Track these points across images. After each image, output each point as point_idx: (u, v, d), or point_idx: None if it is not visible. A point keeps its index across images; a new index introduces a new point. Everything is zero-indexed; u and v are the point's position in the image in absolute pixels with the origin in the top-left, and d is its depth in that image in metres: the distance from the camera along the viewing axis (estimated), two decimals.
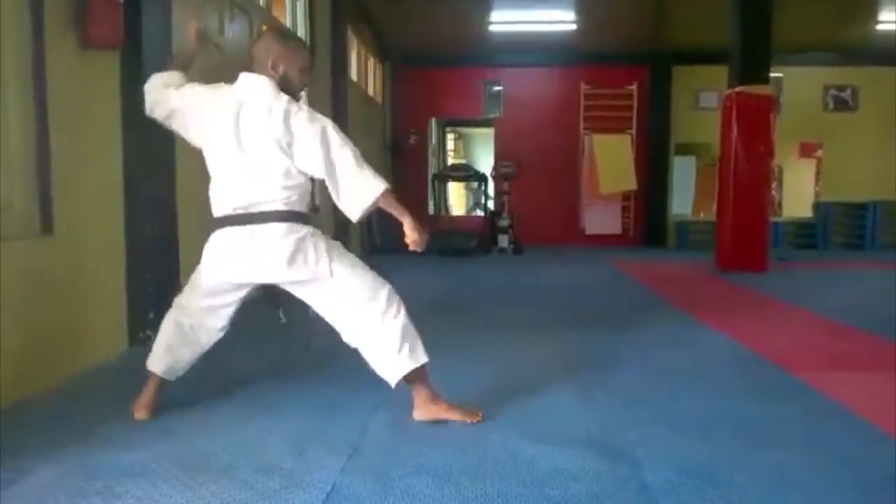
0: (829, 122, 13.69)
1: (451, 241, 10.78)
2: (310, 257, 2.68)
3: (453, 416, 2.83)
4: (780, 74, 12.60)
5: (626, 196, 13.59)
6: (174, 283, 4.45)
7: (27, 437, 2.62)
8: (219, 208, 2.76)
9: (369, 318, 2.72)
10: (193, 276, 2.95)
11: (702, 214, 14.08)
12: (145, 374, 2.97)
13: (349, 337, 2.80)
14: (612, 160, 13.05)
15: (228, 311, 2.92)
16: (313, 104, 7.77)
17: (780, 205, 14.80)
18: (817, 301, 6.40)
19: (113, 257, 4.04)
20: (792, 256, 11.20)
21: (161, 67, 4.24)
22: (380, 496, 2.17)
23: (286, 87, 2.74)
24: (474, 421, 2.82)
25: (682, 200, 14.36)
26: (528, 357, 4.08)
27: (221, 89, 2.78)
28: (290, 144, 2.63)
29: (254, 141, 2.64)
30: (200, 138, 2.81)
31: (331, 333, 2.86)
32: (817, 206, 13.80)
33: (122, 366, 3.81)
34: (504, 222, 11.71)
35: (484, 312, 5.77)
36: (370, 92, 12.06)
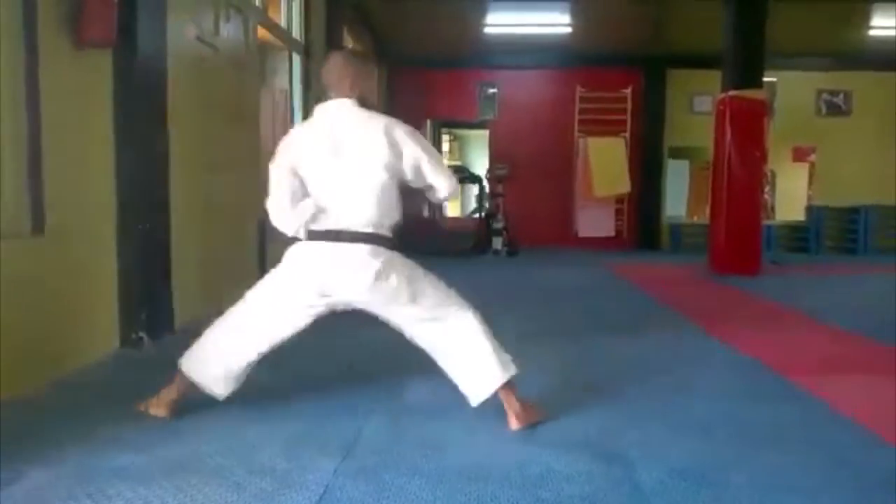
0: (822, 126, 13.72)
1: (446, 242, 10.78)
2: (391, 280, 2.75)
3: (542, 415, 2.88)
4: (774, 79, 12.64)
5: (619, 199, 13.60)
6: (166, 283, 4.45)
7: (19, 439, 2.60)
8: (314, 224, 2.80)
9: (456, 337, 2.82)
10: (260, 288, 2.92)
11: (695, 217, 14.12)
12: (175, 373, 2.92)
13: (439, 357, 2.88)
14: (606, 163, 13.06)
15: (289, 330, 2.90)
16: (310, 105, 7.67)
17: (772, 208, 14.85)
18: (811, 304, 6.42)
19: (105, 257, 4.02)
20: (785, 260, 11.24)
21: (155, 67, 4.28)
22: (373, 498, 2.17)
23: (364, 105, 2.83)
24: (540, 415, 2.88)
25: (676, 203, 14.39)
26: (523, 359, 4.06)
27: (304, 124, 2.90)
28: (397, 156, 2.75)
29: (351, 161, 2.73)
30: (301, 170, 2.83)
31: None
32: (810, 210, 13.85)
33: (112, 366, 3.81)
34: (499, 224, 11.70)
35: (479, 314, 5.75)
36: None
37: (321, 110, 2.85)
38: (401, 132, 2.77)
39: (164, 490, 2.21)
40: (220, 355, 2.89)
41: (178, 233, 4.55)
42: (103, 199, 4.00)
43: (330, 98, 2.84)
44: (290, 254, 2.84)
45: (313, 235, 2.79)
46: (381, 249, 2.76)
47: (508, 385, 2.82)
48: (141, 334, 4.12)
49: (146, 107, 4.22)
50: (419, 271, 2.87)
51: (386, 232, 2.81)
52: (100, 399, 3.20)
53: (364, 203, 2.73)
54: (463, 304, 2.90)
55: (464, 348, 2.82)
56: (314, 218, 2.77)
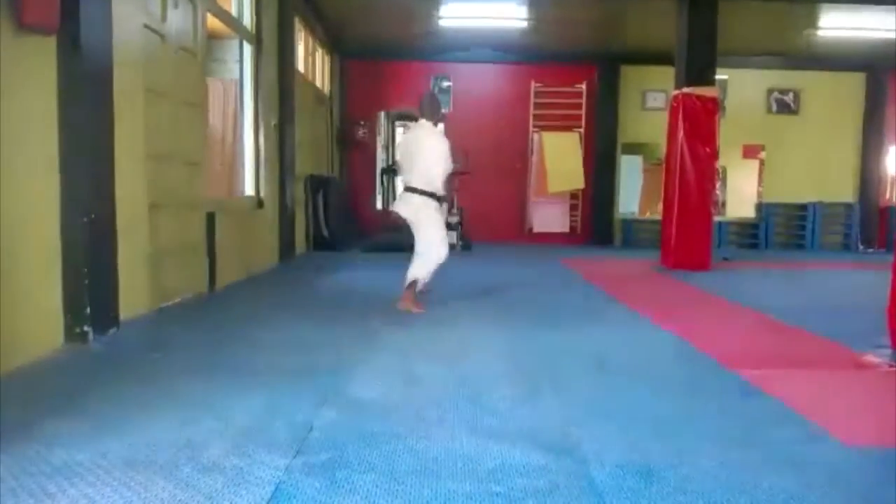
0: (771, 124, 14.00)
1: (399, 236, 10.72)
2: (422, 212, 5.47)
3: (415, 308, 5.46)
4: (726, 76, 12.84)
5: (573, 194, 13.70)
6: (112, 277, 4.33)
7: None
8: (403, 183, 5.65)
9: (422, 251, 5.51)
10: None
11: (648, 213, 14.29)
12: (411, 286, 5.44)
13: (416, 252, 5.55)
14: (560, 159, 13.12)
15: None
16: (260, 95, 7.57)
17: (723, 205, 15.10)
18: (759, 299, 6.54)
19: (49, 250, 3.90)
20: (735, 256, 11.44)
21: (100, 55, 4.15)
22: (325, 495, 2.13)
23: (435, 123, 5.63)
24: (416, 311, 5.44)
25: (629, 199, 14.54)
26: (476, 353, 4.08)
27: (409, 130, 5.31)
28: (432, 149, 5.45)
29: (422, 152, 5.44)
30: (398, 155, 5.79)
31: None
32: (760, 207, 14.12)
33: (56, 362, 3.70)
34: (454, 219, 11.68)
35: (433, 308, 5.73)
36: (318, 84, 11.91)
37: (416, 125, 5.70)
38: (441, 138, 5.53)
39: (110, 487, 2.14)
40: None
41: (123, 225, 4.44)
42: (47, 188, 3.87)
43: (419, 117, 5.62)
44: (397, 198, 5.78)
45: (405, 189, 5.57)
46: (427, 198, 5.45)
47: (412, 286, 5.48)
48: (86, 329, 4.01)
49: (91, 95, 4.10)
50: (439, 219, 5.56)
51: (434, 189, 5.44)
52: (43, 394, 3.10)
53: (424, 174, 5.41)
54: (439, 246, 5.49)
55: (414, 260, 5.52)
56: (404, 180, 5.62)
